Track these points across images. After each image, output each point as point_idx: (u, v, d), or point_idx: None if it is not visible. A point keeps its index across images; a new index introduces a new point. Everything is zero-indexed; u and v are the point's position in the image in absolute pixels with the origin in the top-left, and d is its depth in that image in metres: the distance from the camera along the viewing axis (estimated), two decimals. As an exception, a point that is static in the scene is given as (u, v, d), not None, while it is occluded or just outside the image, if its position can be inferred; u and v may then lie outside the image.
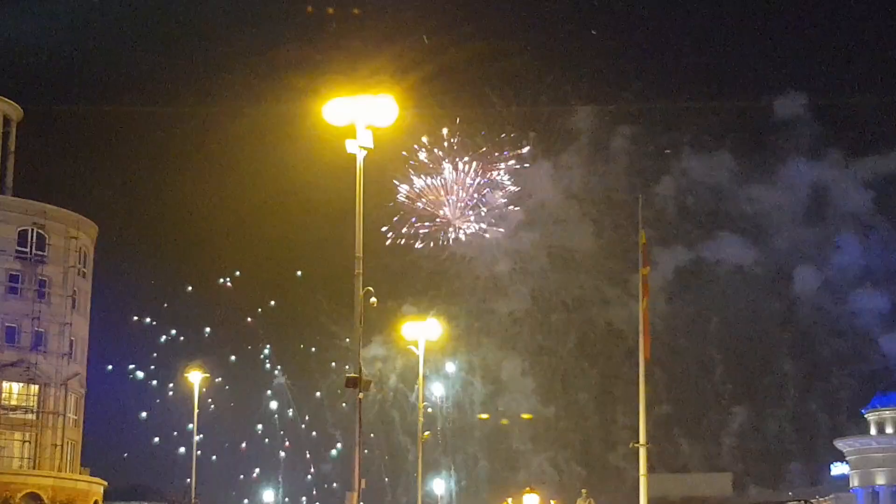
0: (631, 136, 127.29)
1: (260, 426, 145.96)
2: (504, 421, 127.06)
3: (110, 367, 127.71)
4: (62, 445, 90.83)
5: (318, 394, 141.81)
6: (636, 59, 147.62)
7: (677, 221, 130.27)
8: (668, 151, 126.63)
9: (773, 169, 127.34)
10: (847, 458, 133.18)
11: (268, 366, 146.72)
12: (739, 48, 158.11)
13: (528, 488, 68.69)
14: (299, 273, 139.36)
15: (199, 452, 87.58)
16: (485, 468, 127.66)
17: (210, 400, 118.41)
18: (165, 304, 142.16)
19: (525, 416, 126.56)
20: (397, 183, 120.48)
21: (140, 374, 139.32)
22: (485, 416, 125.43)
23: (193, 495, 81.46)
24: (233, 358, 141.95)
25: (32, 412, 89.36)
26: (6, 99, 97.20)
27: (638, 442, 46.15)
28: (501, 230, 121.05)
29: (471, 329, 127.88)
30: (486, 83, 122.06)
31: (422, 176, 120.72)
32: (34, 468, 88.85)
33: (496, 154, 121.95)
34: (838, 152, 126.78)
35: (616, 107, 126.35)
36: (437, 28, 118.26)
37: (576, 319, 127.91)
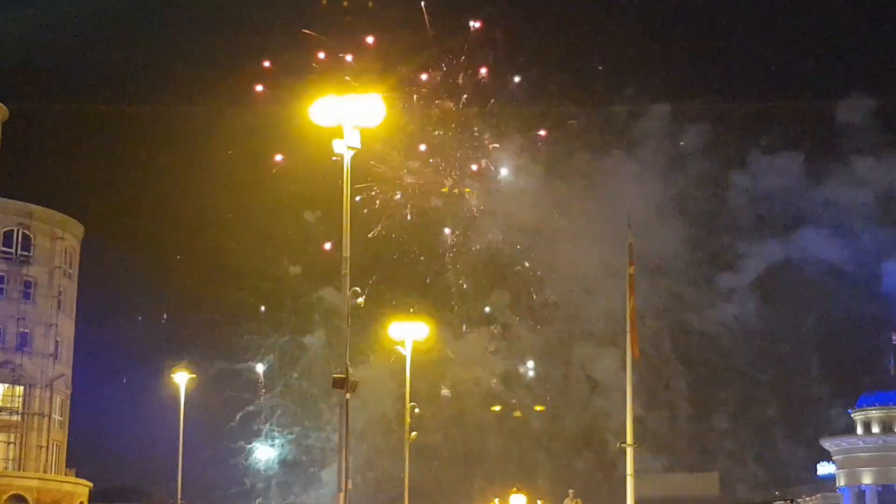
0: (704, 139, 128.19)
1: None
2: (517, 413, 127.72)
3: (96, 367, 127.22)
4: (47, 447, 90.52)
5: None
6: (707, 63, 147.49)
7: (755, 223, 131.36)
8: (742, 153, 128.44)
9: (845, 169, 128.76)
10: (833, 458, 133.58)
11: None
12: (808, 51, 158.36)
13: (514, 488, 68.61)
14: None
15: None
16: (584, 463, 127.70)
17: None
18: (152, 305, 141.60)
19: (538, 407, 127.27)
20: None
21: (126, 375, 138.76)
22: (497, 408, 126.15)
23: (179, 496, 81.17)
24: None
25: (17, 413, 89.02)
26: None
27: (625, 442, 46.15)
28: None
29: (571, 332, 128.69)
30: (561, 85, 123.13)
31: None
32: (19, 469, 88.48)
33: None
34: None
35: (689, 108, 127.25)
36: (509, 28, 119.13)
37: (667, 324, 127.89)
